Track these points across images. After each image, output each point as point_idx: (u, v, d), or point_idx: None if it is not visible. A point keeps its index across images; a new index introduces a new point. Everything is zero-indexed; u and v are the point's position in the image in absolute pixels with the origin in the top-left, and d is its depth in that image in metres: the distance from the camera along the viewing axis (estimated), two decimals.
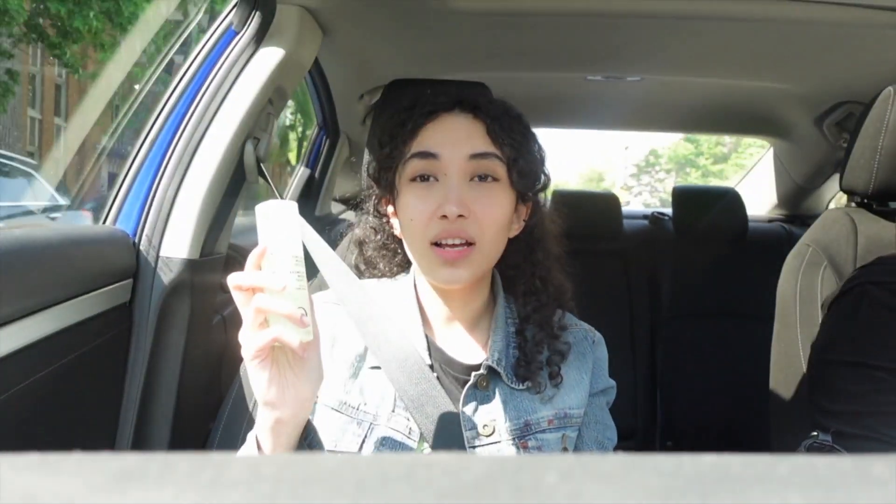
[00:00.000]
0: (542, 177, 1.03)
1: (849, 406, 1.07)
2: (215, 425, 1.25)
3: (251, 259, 0.75)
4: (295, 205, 0.78)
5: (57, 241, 1.12)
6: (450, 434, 0.92)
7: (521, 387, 0.98)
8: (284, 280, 0.73)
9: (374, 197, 1.06)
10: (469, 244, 0.92)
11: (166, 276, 1.30)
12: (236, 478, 0.22)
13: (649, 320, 2.60)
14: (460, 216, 0.90)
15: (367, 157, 1.21)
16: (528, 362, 0.98)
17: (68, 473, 0.22)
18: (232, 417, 1.24)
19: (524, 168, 0.97)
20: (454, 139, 0.95)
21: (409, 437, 0.92)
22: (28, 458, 0.23)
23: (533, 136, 1.02)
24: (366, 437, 0.92)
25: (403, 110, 1.02)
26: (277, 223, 0.76)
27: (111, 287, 1.23)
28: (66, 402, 1.16)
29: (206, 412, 1.47)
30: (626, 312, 2.58)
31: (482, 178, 0.94)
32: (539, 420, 0.97)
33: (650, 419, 2.53)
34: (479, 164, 0.94)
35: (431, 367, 0.96)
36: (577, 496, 0.21)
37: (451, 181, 0.92)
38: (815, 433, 1.12)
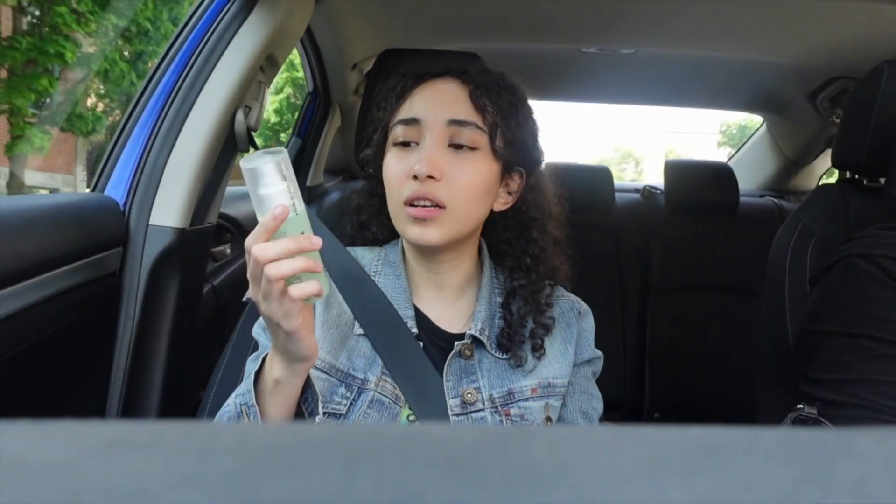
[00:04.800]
0: (534, 153, 1.03)
1: (835, 375, 1.09)
2: (206, 393, 1.26)
3: (268, 226, 0.74)
4: (284, 152, 0.75)
5: (46, 209, 1.11)
6: (433, 402, 0.93)
7: (504, 356, 0.99)
8: (317, 239, 0.75)
9: (366, 161, 1.07)
10: (439, 207, 0.92)
11: (156, 245, 1.30)
12: (227, 445, 0.22)
13: (639, 293, 2.61)
14: (430, 177, 0.91)
15: (359, 125, 1.21)
16: (512, 334, 0.99)
17: (58, 440, 0.22)
18: (222, 386, 1.25)
19: (508, 137, 0.97)
20: (436, 104, 0.96)
21: (395, 403, 0.93)
22: (18, 425, 0.23)
23: (526, 108, 1.02)
24: (354, 399, 0.93)
25: (398, 76, 1.02)
26: (270, 177, 0.74)
27: (100, 255, 1.22)
28: (56, 369, 1.16)
29: (196, 381, 1.47)
30: (616, 285, 2.59)
31: (458, 146, 0.95)
32: (522, 389, 0.98)
33: (638, 391, 2.56)
34: (457, 130, 0.94)
35: (418, 336, 0.97)
36: (564, 467, 0.21)
37: (426, 143, 0.93)
38: (801, 406, 1.13)
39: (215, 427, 0.24)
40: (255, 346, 1.01)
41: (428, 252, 0.99)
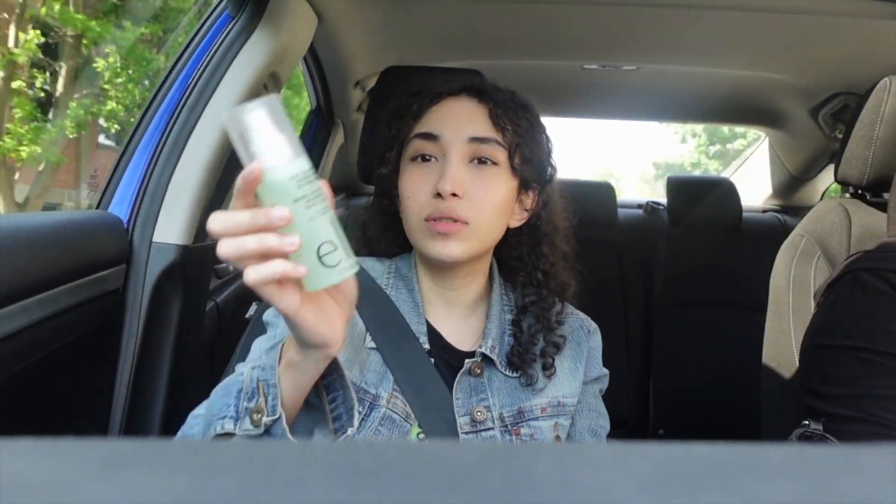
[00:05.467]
0: (549, 168, 1.03)
1: (842, 389, 1.08)
2: None
3: (238, 188, 0.60)
4: (275, 98, 0.60)
5: (49, 226, 1.11)
6: (443, 420, 0.92)
7: (514, 374, 0.98)
8: (282, 212, 0.59)
9: (379, 178, 1.06)
10: (462, 222, 0.92)
11: (159, 262, 1.30)
12: (229, 463, 0.22)
13: (643, 309, 2.61)
14: (454, 195, 0.90)
15: (362, 142, 1.20)
16: (523, 352, 0.98)
17: (61, 459, 0.22)
18: None
19: (527, 155, 0.98)
20: (456, 122, 0.96)
21: (406, 421, 0.92)
22: (21, 443, 0.23)
23: (540, 126, 1.02)
24: (365, 415, 0.91)
25: (411, 94, 1.02)
26: (259, 132, 0.58)
27: (104, 273, 1.23)
28: (59, 387, 1.16)
29: (198, 398, 1.47)
30: (619, 301, 2.58)
31: (481, 161, 0.95)
32: (532, 408, 0.97)
33: (643, 408, 2.54)
34: (478, 147, 0.94)
35: (429, 352, 0.96)
36: (568, 484, 0.21)
37: (450, 160, 0.93)
38: (807, 422, 1.13)
39: (218, 445, 0.24)
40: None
41: (446, 268, 0.98)
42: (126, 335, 1.29)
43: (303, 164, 0.60)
